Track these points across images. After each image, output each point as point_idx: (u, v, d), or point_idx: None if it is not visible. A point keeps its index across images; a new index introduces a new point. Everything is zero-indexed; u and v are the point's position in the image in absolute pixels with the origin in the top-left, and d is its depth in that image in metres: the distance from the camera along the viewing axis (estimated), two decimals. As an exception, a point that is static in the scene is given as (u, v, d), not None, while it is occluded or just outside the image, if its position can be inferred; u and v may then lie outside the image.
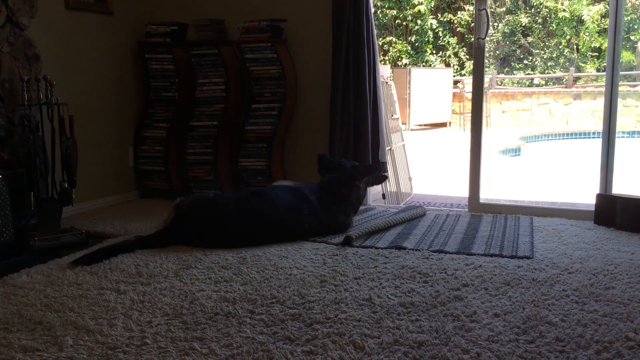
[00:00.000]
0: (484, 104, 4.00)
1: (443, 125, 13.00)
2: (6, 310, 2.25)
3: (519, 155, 9.68)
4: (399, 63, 15.05)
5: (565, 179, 6.65)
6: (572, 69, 14.13)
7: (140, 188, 4.63)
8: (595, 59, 14.97)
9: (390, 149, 5.08)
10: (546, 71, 15.21)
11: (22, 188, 3.18)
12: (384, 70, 6.09)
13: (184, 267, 2.75)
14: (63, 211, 3.52)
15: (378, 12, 14.99)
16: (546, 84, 14.94)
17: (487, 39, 3.93)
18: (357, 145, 4.06)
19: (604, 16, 14.15)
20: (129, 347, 1.94)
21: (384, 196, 4.83)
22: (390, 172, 4.92)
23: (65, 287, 2.51)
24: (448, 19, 15.41)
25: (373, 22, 4.07)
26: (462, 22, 15.25)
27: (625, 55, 12.71)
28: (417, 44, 15.38)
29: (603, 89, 4.09)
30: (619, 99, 3.76)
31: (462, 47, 15.49)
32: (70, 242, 3.27)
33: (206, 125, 4.37)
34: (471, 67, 14.78)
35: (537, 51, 15.31)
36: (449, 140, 11.00)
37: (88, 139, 4.03)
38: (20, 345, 1.95)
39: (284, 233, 3.22)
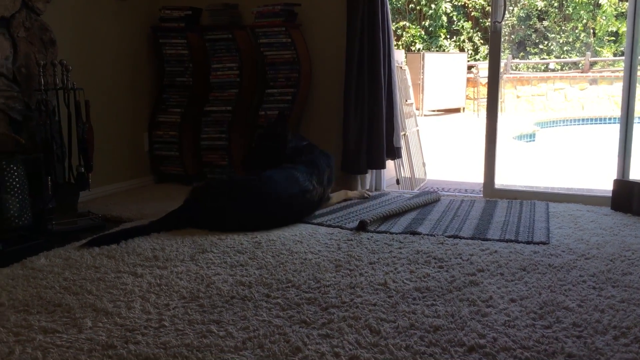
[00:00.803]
0: (499, 88, 3.97)
1: (457, 110, 12.91)
2: (26, 293, 2.28)
3: (533, 140, 9.61)
4: (413, 48, 14.93)
5: (581, 164, 6.59)
6: (589, 53, 13.95)
7: (155, 173, 4.65)
8: (612, 44, 14.76)
9: (404, 135, 5.05)
10: (562, 56, 15.03)
11: (40, 172, 3.22)
12: (398, 55, 6.05)
13: (199, 251, 2.77)
14: (80, 195, 3.56)
15: (392, -4, 14.87)
16: (562, 69, 14.76)
17: (502, 22, 3.88)
18: (371, 130, 4.05)
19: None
20: (147, 329, 1.96)
21: (398, 182, 4.82)
22: (404, 158, 4.91)
23: (84, 270, 2.54)
24: (462, 3, 15.24)
25: (388, 5, 4.03)
26: (477, 7, 15.07)
27: (643, 40, 12.49)
28: (430, 29, 15.24)
29: (620, 74, 4.04)
30: (638, 84, 3.70)
31: (477, 31, 15.32)
32: (87, 226, 3.31)
33: (220, 110, 4.38)
34: (485, 52, 14.69)
35: (553, 35, 15.12)
36: (462, 126, 10.94)
37: (104, 124, 4.05)
38: (40, 327, 1.98)
39: (292, 213, 3.32)
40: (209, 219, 3.16)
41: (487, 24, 14.52)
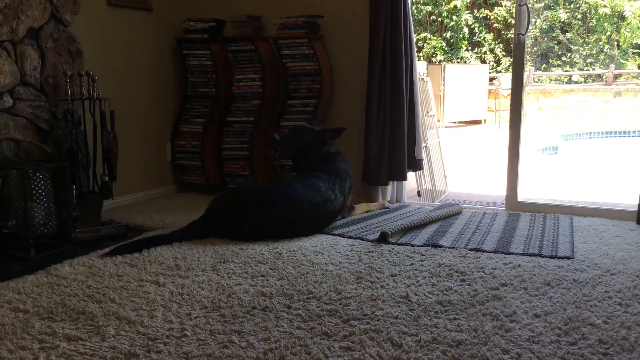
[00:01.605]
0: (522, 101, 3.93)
1: (478, 122, 12.83)
2: (50, 300, 2.31)
3: (556, 153, 9.50)
4: (434, 59, 14.90)
5: (606, 178, 6.49)
6: (613, 65, 13.79)
7: (177, 182, 4.69)
8: (637, 56, 14.58)
9: (425, 146, 5.03)
10: (585, 68, 14.87)
11: (65, 181, 3.26)
12: (420, 67, 6.03)
13: (220, 261, 2.78)
14: (103, 204, 3.60)
15: (413, 7, 14.84)
16: (585, 81, 14.61)
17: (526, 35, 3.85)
18: (393, 142, 4.04)
19: (646, 12, 13.75)
20: (169, 338, 1.97)
21: (419, 193, 4.80)
22: (425, 169, 4.88)
23: (107, 278, 2.56)
24: (484, 15, 15.18)
25: (411, 17, 4.03)
26: (499, 18, 15.00)
27: (669, 52, 12.32)
28: (452, 40, 15.20)
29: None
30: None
31: (499, 43, 15.24)
32: (110, 235, 3.34)
33: (242, 120, 4.41)
34: (507, 63, 14.59)
35: (576, 47, 14.98)
36: (484, 138, 10.86)
37: (128, 133, 4.10)
38: (64, 335, 2.00)
39: (313, 222, 3.32)
40: (229, 229, 3.18)
41: (509, 35, 14.44)
